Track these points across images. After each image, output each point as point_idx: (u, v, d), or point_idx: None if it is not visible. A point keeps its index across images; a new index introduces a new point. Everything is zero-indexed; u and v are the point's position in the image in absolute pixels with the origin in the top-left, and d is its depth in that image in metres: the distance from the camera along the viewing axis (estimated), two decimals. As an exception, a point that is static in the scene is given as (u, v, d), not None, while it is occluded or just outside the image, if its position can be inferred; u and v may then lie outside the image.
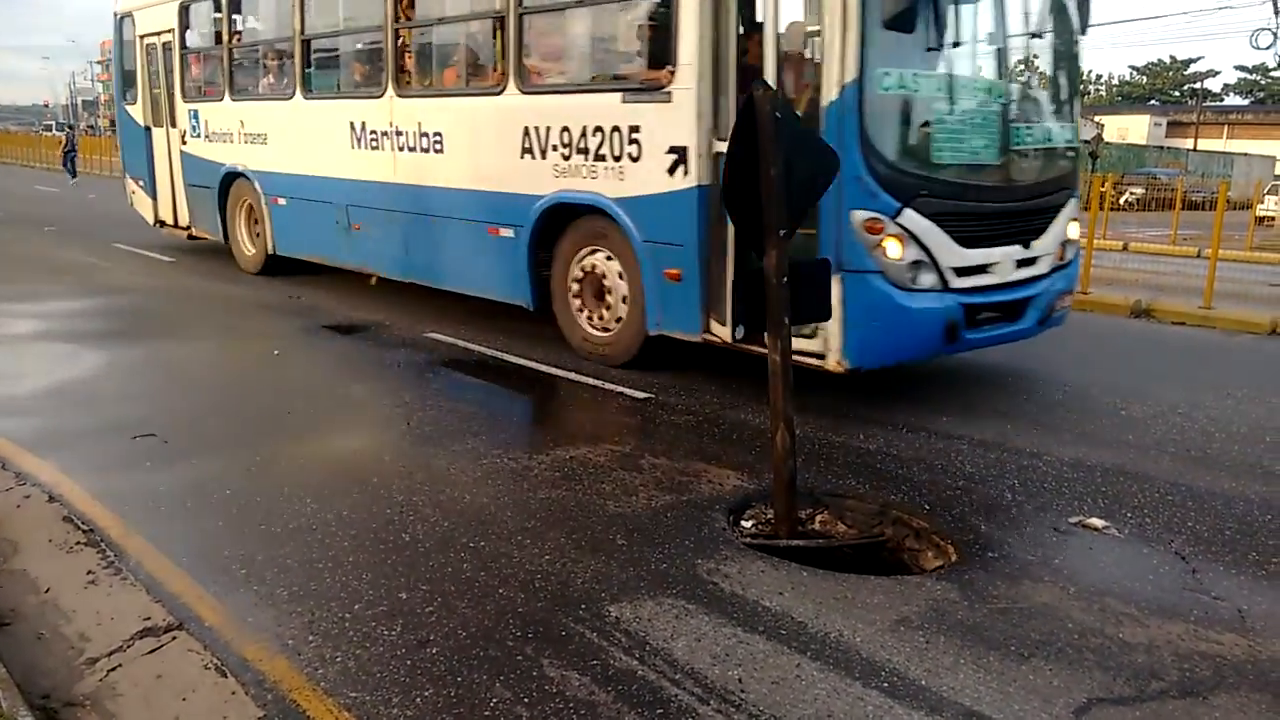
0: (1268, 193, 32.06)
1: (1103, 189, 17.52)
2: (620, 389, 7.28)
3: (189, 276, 12.63)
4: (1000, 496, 5.28)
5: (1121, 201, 31.64)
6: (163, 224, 14.53)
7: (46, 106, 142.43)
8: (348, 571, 4.15)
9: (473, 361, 8.24)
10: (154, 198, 14.45)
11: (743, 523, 4.87)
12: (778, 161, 4.25)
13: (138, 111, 14.35)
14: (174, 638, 3.56)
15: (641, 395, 7.14)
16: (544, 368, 7.92)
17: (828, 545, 4.60)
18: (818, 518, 4.91)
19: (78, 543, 4.35)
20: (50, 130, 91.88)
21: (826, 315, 4.79)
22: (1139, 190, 32.23)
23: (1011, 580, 4.26)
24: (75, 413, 6.41)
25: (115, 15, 14.47)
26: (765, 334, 4.47)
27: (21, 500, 4.86)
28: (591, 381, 7.48)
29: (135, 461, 5.45)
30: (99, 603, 3.86)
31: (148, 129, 14.11)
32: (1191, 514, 5.08)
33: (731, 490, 5.24)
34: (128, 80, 14.50)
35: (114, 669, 3.43)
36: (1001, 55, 6.98)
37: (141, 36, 13.88)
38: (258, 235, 12.21)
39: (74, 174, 33.66)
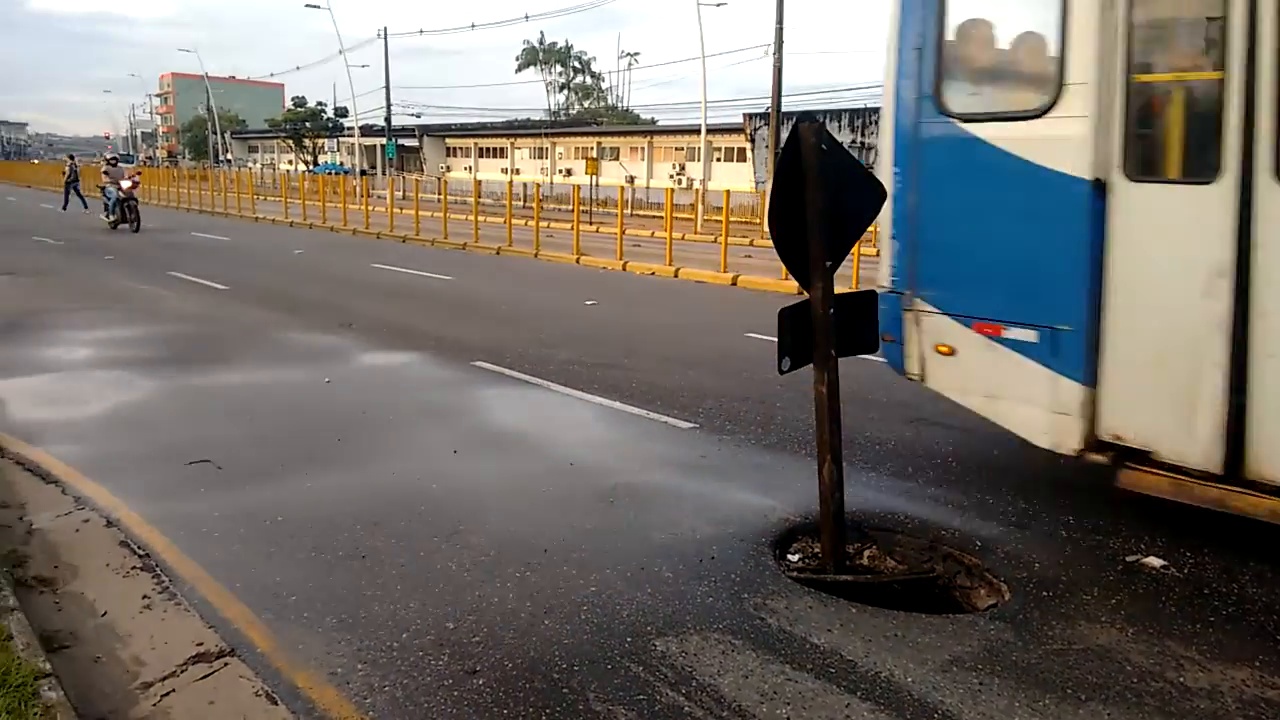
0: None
1: None
2: (666, 418, 7.28)
3: (241, 305, 12.90)
4: (1054, 533, 5.17)
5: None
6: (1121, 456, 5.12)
7: (107, 138, 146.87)
8: (395, 600, 4.17)
9: (519, 391, 8.29)
10: (1093, 373, 4.98)
11: (789, 556, 4.83)
12: (823, 194, 4.25)
13: (1044, 136, 4.94)
14: (226, 664, 3.61)
15: (687, 425, 7.13)
16: (591, 396, 7.95)
17: (877, 581, 4.54)
18: (866, 552, 4.85)
19: (134, 567, 4.44)
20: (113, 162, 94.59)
21: (874, 347, 4.75)
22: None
23: (1067, 620, 4.16)
24: (131, 438, 6.55)
25: None
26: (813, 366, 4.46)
27: (80, 524, 4.97)
28: (637, 411, 7.49)
29: (190, 487, 5.55)
30: (154, 627, 3.93)
31: (1099, 186, 4.72)
32: (1255, 554, 4.93)
33: (778, 523, 5.19)
34: (948, 58, 5.44)
35: (168, 694, 3.47)
36: None
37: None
38: None
39: (84, 204, 33.94)
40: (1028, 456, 6.50)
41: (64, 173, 37.28)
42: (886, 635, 3.95)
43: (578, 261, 20.05)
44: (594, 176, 40.76)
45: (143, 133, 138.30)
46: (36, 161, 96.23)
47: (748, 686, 3.54)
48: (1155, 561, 4.78)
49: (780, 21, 28.96)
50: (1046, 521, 5.35)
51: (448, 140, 69.15)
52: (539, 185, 33.05)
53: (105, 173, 25.36)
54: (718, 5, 34.89)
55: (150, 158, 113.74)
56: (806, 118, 4.35)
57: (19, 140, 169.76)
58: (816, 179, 4.19)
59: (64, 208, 33.80)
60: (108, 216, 24.82)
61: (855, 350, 4.68)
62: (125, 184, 24.19)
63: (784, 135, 31.21)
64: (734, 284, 16.82)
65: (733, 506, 5.44)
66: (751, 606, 4.18)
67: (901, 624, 4.06)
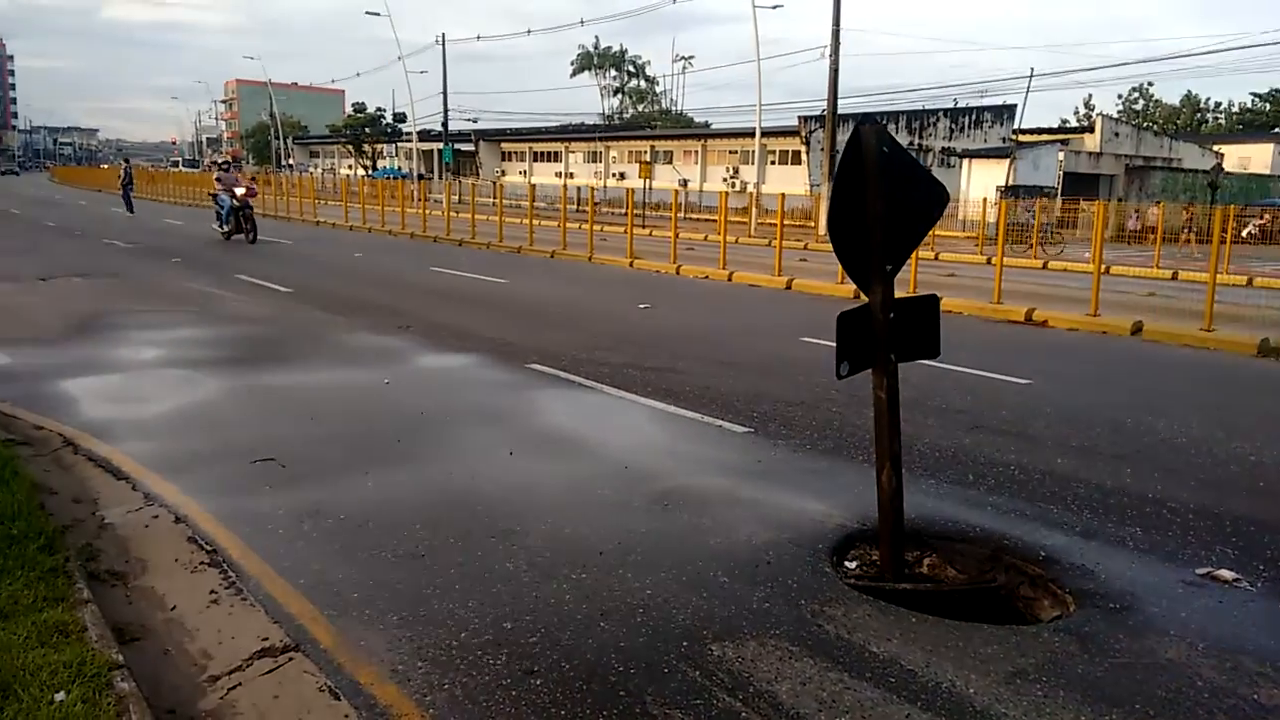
0: None
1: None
2: (721, 422, 7.26)
3: (305, 307, 13.16)
4: (1121, 545, 5.05)
5: (1244, 234, 30.20)
6: None
7: (174, 143, 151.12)
8: (454, 599, 4.21)
9: (573, 393, 8.33)
10: None
11: (847, 563, 4.78)
12: (884, 197, 4.20)
13: None
14: (290, 659, 3.67)
15: (742, 430, 7.10)
16: (645, 400, 7.96)
17: (937, 590, 4.47)
18: (926, 561, 4.78)
19: (201, 563, 4.55)
20: (178, 166, 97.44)
21: (935, 352, 4.68)
22: (1262, 221, 30.70)
23: (1135, 634, 4.06)
24: (198, 436, 6.72)
25: None
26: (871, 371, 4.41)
27: (150, 520, 5.11)
28: (692, 415, 7.48)
29: (255, 485, 5.67)
30: (221, 621, 4.02)
31: None
32: (1333, 569, 4.76)
33: (835, 529, 5.14)
34: None
35: (234, 687, 3.55)
36: None
37: None
38: None
39: (130, 208, 34.51)
40: (1093, 466, 6.38)
41: (119, 176, 38.38)
42: (948, 645, 3.89)
43: (631, 265, 20.10)
44: (647, 180, 40.82)
45: (208, 138, 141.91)
46: (105, 167, 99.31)
47: (805, 694, 3.50)
48: (1227, 574, 4.64)
49: (837, 23, 28.74)
50: (1113, 532, 5.22)
51: (503, 145, 69.78)
52: (593, 189, 33.19)
53: (218, 179, 23.44)
54: (774, 7, 34.72)
55: (215, 162, 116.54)
56: (866, 119, 4.31)
57: (90, 146, 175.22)
58: (877, 181, 4.15)
59: (130, 210, 34.45)
60: (221, 227, 23.12)
61: (916, 355, 4.62)
62: (240, 191, 22.38)
63: (840, 138, 30.94)
64: (788, 287, 16.72)
65: (789, 512, 5.40)
66: (809, 613, 4.15)
67: (963, 634, 4.00)
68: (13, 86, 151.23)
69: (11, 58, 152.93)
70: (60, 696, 3.18)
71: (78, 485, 5.67)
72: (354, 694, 3.45)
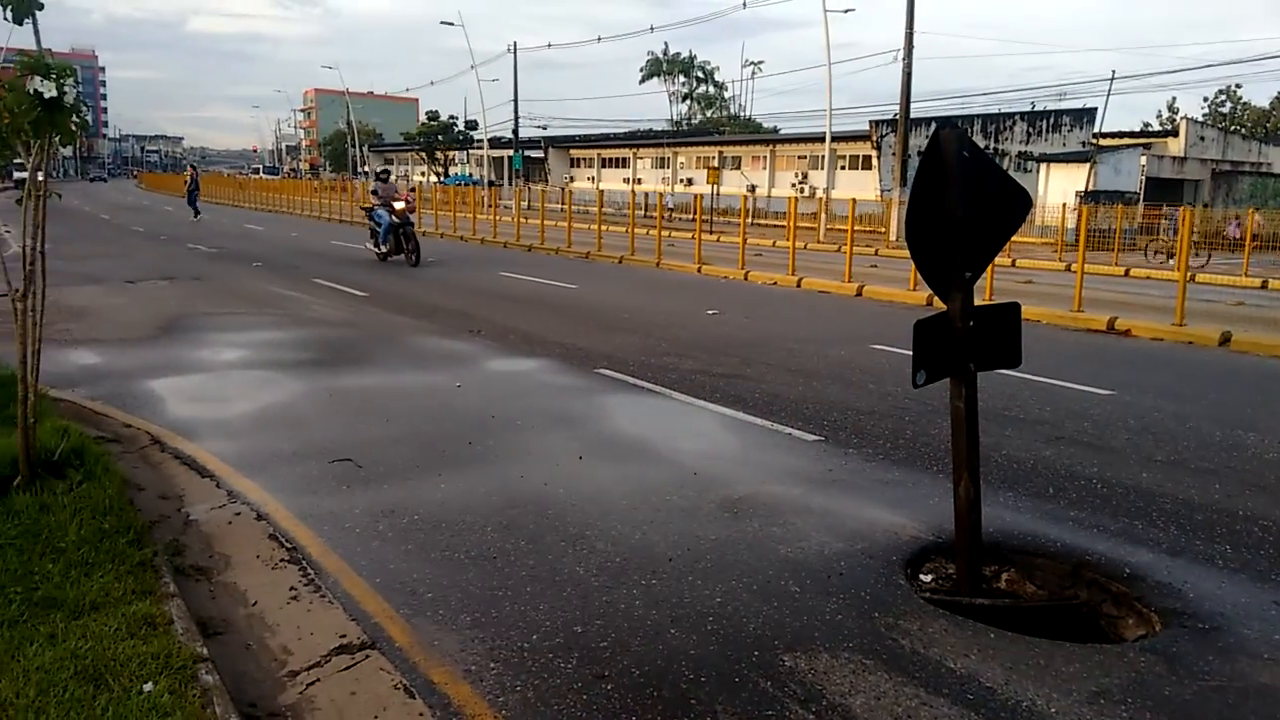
0: None
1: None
2: (790, 430, 7.19)
3: (381, 311, 13.42)
4: (1211, 563, 4.86)
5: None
6: None
7: (255, 151, 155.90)
8: (525, 601, 4.25)
9: (641, 398, 8.34)
10: None
11: (922, 576, 4.69)
12: (964, 202, 4.12)
13: None
14: (367, 656, 3.74)
15: (812, 438, 7.02)
16: (714, 406, 7.93)
17: (1016, 606, 4.36)
18: (1004, 575, 4.66)
19: (282, 560, 4.66)
20: (258, 173, 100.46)
21: (1016, 361, 4.57)
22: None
23: (1225, 656, 3.90)
24: (279, 435, 6.89)
25: None
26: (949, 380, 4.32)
27: (233, 517, 5.25)
28: (761, 422, 7.43)
29: (333, 484, 5.80)
30: (300, 618, 4.11)
31: None
32: None
33: (909, 541, 5.05)
34: None
35: (313, 683, 3.63)
36: None
37: None
38: None
39: (196, 212, 35.83)
40: (1179, 480, 6.16)
41: (185, 183, 39.76)
42: (1028, 663, 3.79)
43: (699, 270, 20.06)
44: (715, 186, 40.72)
45: (287, 146, 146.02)
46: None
47: (880, 709, 3.44)
48: (1326, 597, 4.43)
49: (910, 26, 28.35)
50: (1201, 549, 5.03)
51: (572, 151, 70.34)
52: (661, 195, 33.24)
53: (374, 192, 20.21)
54: (845, 12, 34.38)
55: (294, 169, 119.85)
56: (945, 123, 4.23)
57: (175, 154, 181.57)
58: (958, 186, 4.07)
59: (195, 216, 35.59)
60: (377, 247, 19.79)
61: (996, 365, 4.51)
62: (399, 205, 19.10)
63: (912, 142, 30.49)
64: (859, 294, 16.52)
65: (861, 522, 5.32)
66: (883, 626, 4.08)
67: (1044, 652, 3.89)
68: (104, 97, 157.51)
69: (104, 70, 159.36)
70: (148, 687, 3.28)
71: (164, 482, 5.86)
72: (428, 693, 3.50)
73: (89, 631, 3.61)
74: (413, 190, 29.88)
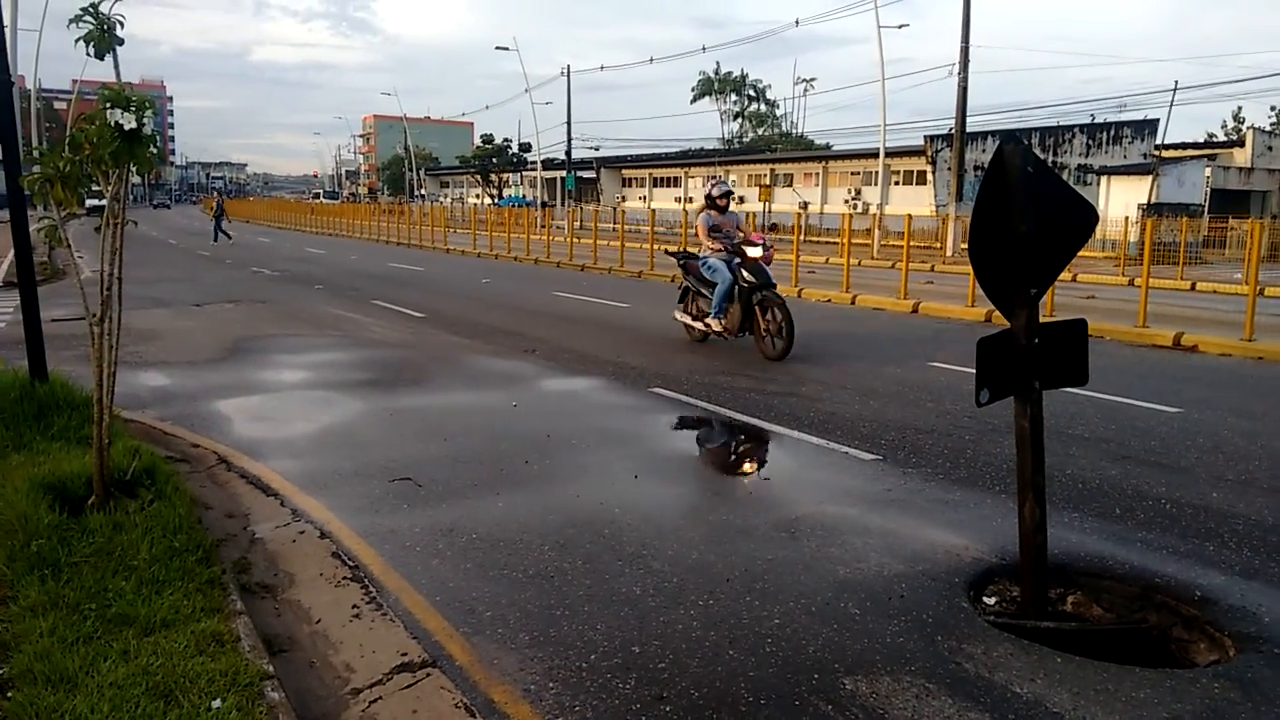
0: None
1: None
2: (847, 449, 7.12)
3: (438, 331, 13.62)
4: (1287, 586, 4.70)
5: None
6: None
7: (315, 177, 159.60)
8: (583, 621, 4.26)
9: (696, 417, 8.33)
10: None
11: (985, 599, 4.60)
12: (1029, 217, 4.07)
13: None
14: (428, 674, 3.78)
15: (869, 457, 6.95)
16: (769, 425, 7.89)
17: (1083, 629, 4.25)
18: (1070, 598, 4.55)
19: (344, 578, 4.74)
20: (318, 198, 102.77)
21: (1083, 380, 4.48)
22: None
23: (1306, 684, 3.76)
24: (341, 455, 7.02)
25: None
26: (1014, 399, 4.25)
27: (297, 535, 5.36)
28: (817, 441, 7.37)
29: (393, 503, 5.88)
30: (362, 636, 4.17)
31: None
32: None
33: (971, 562, 4.97)
34: None
35: (375, 701, 3.67)
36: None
37: None
38: None
39: (228, 236, 36.55)
40: (1252, 500, 5.97)
41: (212, 208, 40.77)
42: (1096, 688, 3.69)
43: (753, 289, 19.99)
44: (767, 203, 40.64)
45: (346, 170, 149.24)
46: (252, 199, 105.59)
47: (944, 733, 3.38)
48: None
49: (966, 40, 28.11)
50: (1276, 571, 4.86)
51: (623, 171, 70.82)
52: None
53: (704, 220, 11.90)
54: (899, 27, 34.19)
55: (353, 194, 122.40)
56: (1005, 137, 4.19)
57: (239, 179, 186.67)
58: (1022, 202, 4.01)
59: (215, 239, 36.19)
60: (699, 318, 12.02)
61: (1062, 383, 4.43)
62: (754, 251, 11.33)
63: (969, 157, 30.14)
64: (915, 311, 16.33)
65: (922, 543, 5.25)
66: (946, 649, 4.01)
67: (1112, 677, 3.79)
68: (172, 126, 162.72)
69: (172, 99, 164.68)
70: (216, 704, 3.35)
71: (231, 501, 6.00)
72: (489, 712, 3.52)
73: (160, 648, 3.70)
74: (773, 229, 21.67)
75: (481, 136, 79.93)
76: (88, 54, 4.95)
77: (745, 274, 11.17)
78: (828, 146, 69.38)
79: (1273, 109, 72.31)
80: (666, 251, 15.54)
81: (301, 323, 14.51)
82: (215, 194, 48.10)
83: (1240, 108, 71.05)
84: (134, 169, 4.99)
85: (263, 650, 3.84)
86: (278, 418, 8.36)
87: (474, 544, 5.18)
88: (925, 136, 43.57)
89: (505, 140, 75.45)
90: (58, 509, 4.95)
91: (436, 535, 5.30)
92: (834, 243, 31.83)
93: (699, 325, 12.04)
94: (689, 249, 14.19)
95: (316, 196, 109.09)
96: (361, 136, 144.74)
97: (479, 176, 78.66)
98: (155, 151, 4.89)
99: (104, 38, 4.94)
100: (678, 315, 12.42)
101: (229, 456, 6.91)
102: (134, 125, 4.64)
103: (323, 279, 21.92)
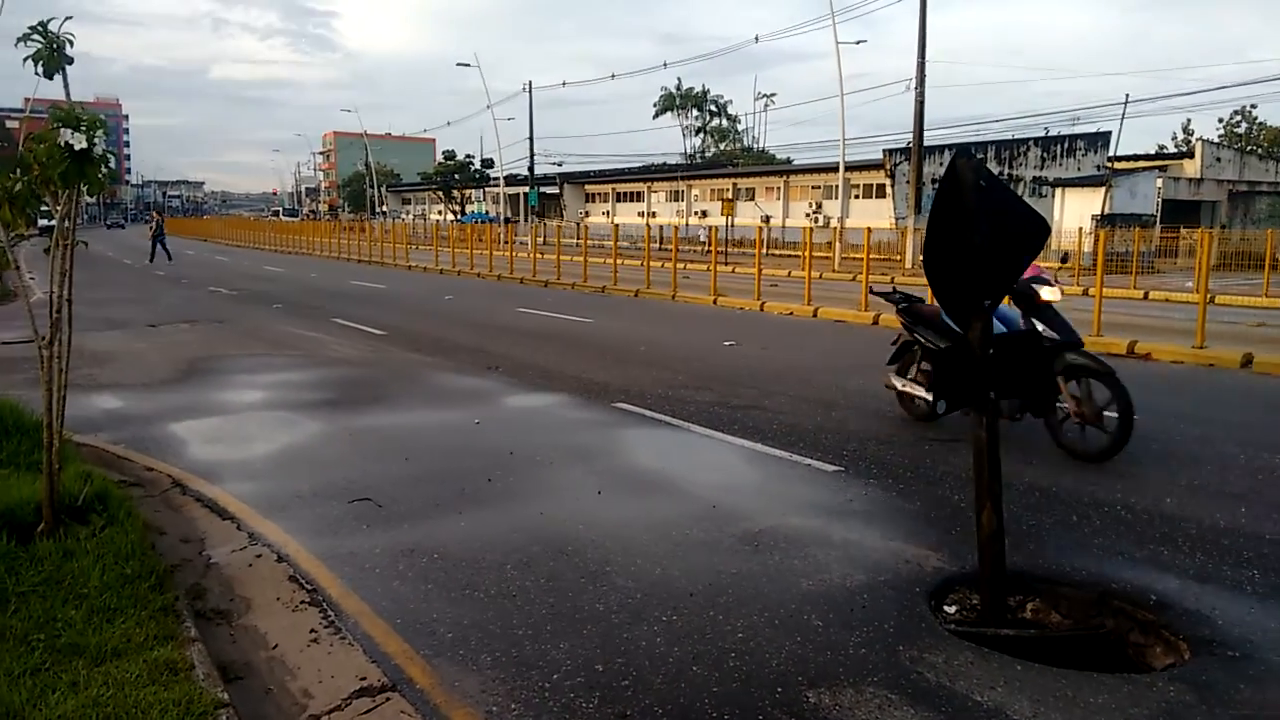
0: None
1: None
2: (810, 461, 7.16)
3: (399, 349, 13.51)
4: (1239, 588, 4.78)
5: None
6: None
7: (275, 194, 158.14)
8: (546, 640, 4.23)
9: (659, 432, 8.33)
10: None
11: (946, 607, 4.63)
12: (982, 230, 4.12)
13: None
14: (388, 699, 3.73)
15: (831, 468, 6.99)
16: (732, 438, 7.91)
17: (1042, 636, 4.30)
18: (1029, 605, 4.61)
19: (302, 601, 4.66)
20: (278, 215, 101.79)
21: (1035, 390, 4.54)
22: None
23: (1257, 684, 3.83)
24: (299, 476, 6.92)
25: None
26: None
27: (253, 559, 5.27)
28: (780, 453, 7.40)
29: (353, 524, 5.81)
30: (321, 660, 4.11)
31: None
32: None
33: (932, 572, 5.00)
34: None
35: (334, 726, 3.61)
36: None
37: None
38: None
39: (168, 255, 35.01)
40: (1204, 505, 6.08)
41: (150, 229, 39.38)
42: (1055, 695, 3.73)
43: (715, 302, 20.10)
44: (729, 217, 40.91)
45: (306, 188, 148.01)
46: (209, 217, 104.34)
47: (906, 744, 3.39)
48: (1360, 623, 4.35)
49: (922, 55, 28.53)
50: (1229, 575, 4.95)
51: (587, 186, 70.90)
52: (675, 228, 33.43)
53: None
54: (857, 43, 34.65)
55: (313, 211, 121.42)
56: (959, 150, 4.25)
57: (196, 198, 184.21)
58: (975, 216, 4.07)
59: (151, 260, 34.83)
60: (938, 394, 6.84)
61: (1016, 393, 4.49)
62: (1050, 293, 7.28)
63: (926, 170, 30.56)
64: (875, 323, 16.48)
65: (883, 553, 5.28)
66: (907, 659, 4.03)
67: (1071, 683, 3.83)
68: (127, 144, 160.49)
69: (127, 118, 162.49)
70: (171, 732, 3.28)
71: (186, 525, 5.90)
72: (449, 735, 3.47)
73: (111, 678, 3.62)
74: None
75: (443, 153, 79.66)
76: (37, 73, 4.87)
77: (1039, 326, 7.23)
78: (789, 161, 69.95)
79: (1220, 121, 74.29)
80: (874, 290, 10.68)
81: (260, 342, 14.33)
82: (153, 212, 46.89)
83: (1189, 120, 72.84)
84: (85, 189, 4.91)
85: (217, 678, 3.76)
86: (235, 439, 8.23)
87: (435, 564, 5.13)
88: (884, 150, 44.10)
89: (468, 156, 75.22)
90: (6, 537, 4.83)
91: (397, 556, 5.24)
92: (796, 256, 32.07)
93: (929, 396, 7.99)
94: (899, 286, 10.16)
95: (276, 214, 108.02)
96: (322, 153, 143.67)
97: (441, 193, 78.34)
98: (107, 172, 4.81)
99: (53, 57, 4.86)
100: (894, 381, 8.75)
101: (184, 480, 6.79)
102: (84, 145, 4.57)
103: (282, 297, 21.68)
